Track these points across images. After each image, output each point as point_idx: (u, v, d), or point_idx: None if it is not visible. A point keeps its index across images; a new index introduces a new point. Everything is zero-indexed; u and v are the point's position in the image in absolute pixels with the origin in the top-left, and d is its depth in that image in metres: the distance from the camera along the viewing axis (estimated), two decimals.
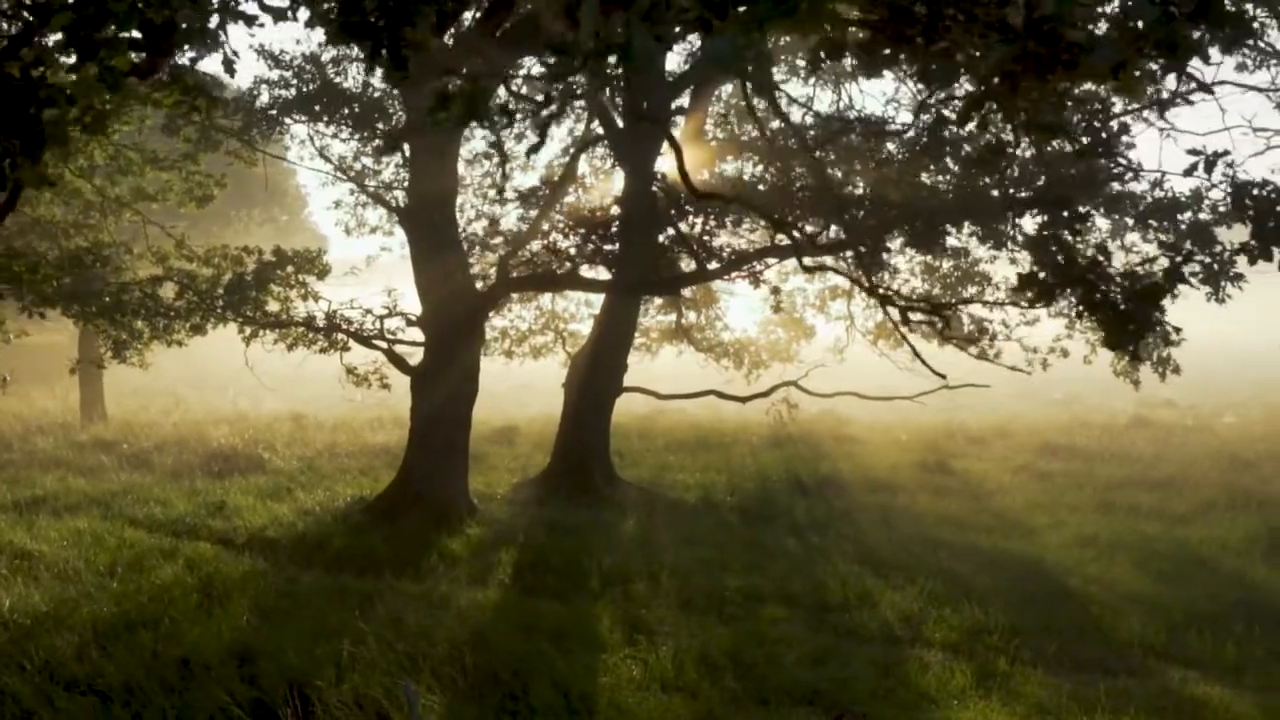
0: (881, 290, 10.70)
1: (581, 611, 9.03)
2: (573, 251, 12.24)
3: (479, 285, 13.81)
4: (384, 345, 13.41)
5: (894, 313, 11.44)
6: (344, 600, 9.16)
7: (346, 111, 13.97)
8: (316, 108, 13.94)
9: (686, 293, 19.62)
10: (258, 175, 29.29)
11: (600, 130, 15.41)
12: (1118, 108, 15.23)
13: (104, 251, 13.66)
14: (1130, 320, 3.49)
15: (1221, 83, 10.04)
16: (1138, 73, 2.55)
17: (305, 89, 14.40)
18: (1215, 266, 9.31)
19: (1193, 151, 4.09)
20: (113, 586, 9.36)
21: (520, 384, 29.52)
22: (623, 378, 16.08)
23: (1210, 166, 4.26)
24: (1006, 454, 18.81)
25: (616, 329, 15.69)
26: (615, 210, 12.34)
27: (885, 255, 10.33)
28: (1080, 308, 3.70)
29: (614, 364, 15.73)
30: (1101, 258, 3.73)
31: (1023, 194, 8.97)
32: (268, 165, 17.84)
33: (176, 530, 12.29)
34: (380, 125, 14.07)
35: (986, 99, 3.54)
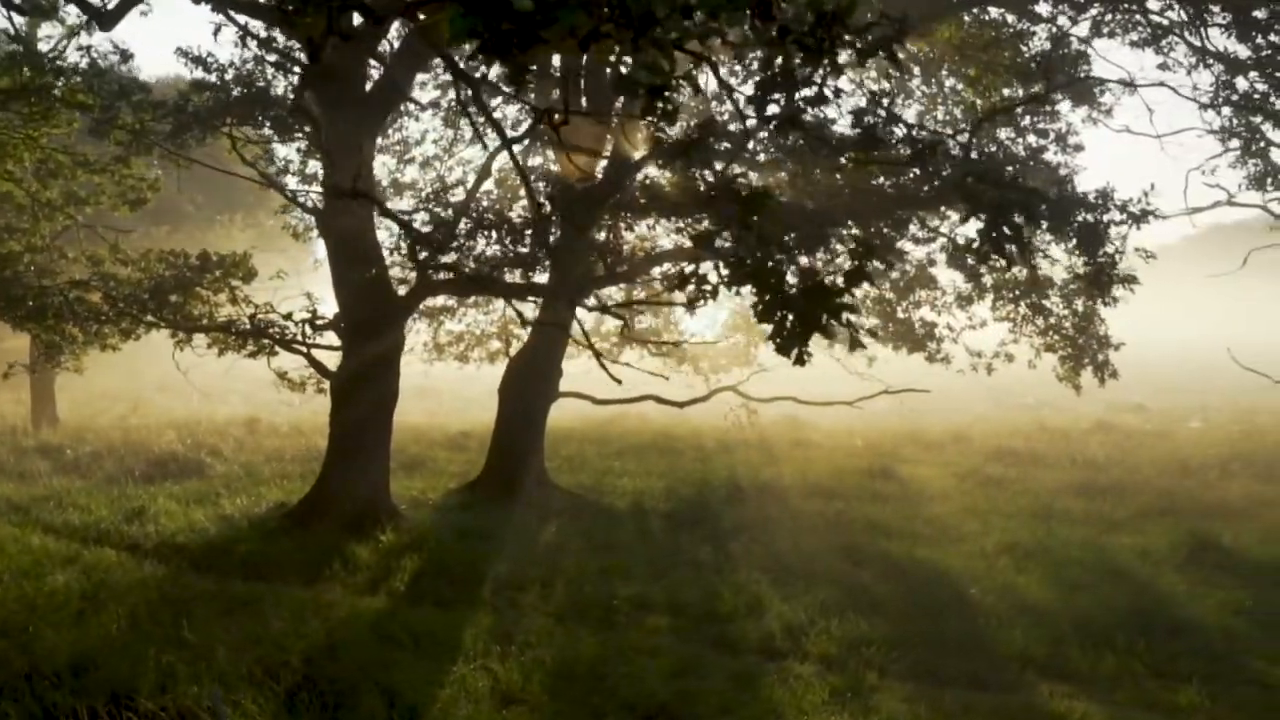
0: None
1: (457, 620, 8.89)
2: (487, 254, 12.11)
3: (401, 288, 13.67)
4: (303, 350, 13.29)
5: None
6: (222, 607, 9.06)
7: (272, 115, 13.88)
8: (240, 112, 13.86)
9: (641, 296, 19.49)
10: (244, 179, 29.24)
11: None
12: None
13: (22, 256, 13.60)
14: (803, 322, 3.32)
15: (1094, 78, 9.90)
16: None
17: (234, 93, 14.34)
18: (1103, 269, 9.12)
19: (910, 142, 3.89)
20: None
21: (491, 389, 29.40)
22: (558, 382, 15.94)
23: (928, 157, 4.08)
24: (958, 459, 18.57)
25: (550, 333, 15.54)
26: (531, 211, 12.19)
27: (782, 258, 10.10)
28: (756, 307, 3.55)
29: (548, 369, 15.59)
30: (782, 255, 3.55)
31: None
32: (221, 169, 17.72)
33: (87, 536, 12.19)
34: (303, 129, 13.99)
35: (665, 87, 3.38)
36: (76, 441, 18.97)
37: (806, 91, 4.22)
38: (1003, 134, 16.42)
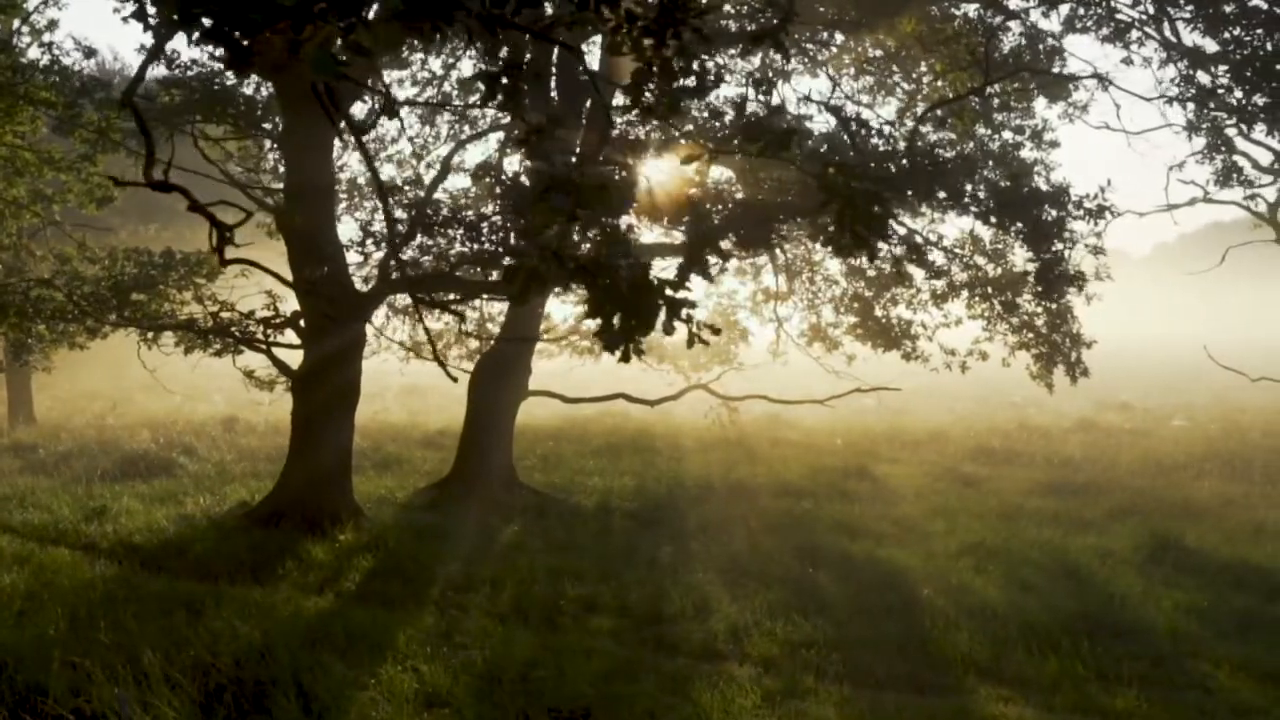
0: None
1: (398, 620, 8.79)
2: (447, 250, 12.00)
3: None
4: (264, 347, 13.21)
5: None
6: (163, 607, 8.97)
7: (232, 112, 13.80)
8: (204, 110, 13.78)
9: None
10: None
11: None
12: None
13: None
14: (634, 319, 3.21)
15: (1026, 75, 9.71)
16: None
17: (198, 90, 14.25)
18: (1050, 266, 8.97)
19: (770, 131, 3.81)
20: None
21: None
22: (526, 381, 15.86)
23: (785, 144, 3.96)
24: (936, 458, 18.44)
25: (519, 331, 15.46)
26: (492, 206, 12.10)
27: (715, 258, 10.03)
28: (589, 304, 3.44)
29: (516, 368, 15.50)
30: (619, 248, 3.41)
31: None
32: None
33: (45, 535, 12.13)
34: (265, 125, 13.90)
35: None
36: (51, 440, 18.92)
37: (686, 81, 4.11)
38: (981, 130, 16.32)
